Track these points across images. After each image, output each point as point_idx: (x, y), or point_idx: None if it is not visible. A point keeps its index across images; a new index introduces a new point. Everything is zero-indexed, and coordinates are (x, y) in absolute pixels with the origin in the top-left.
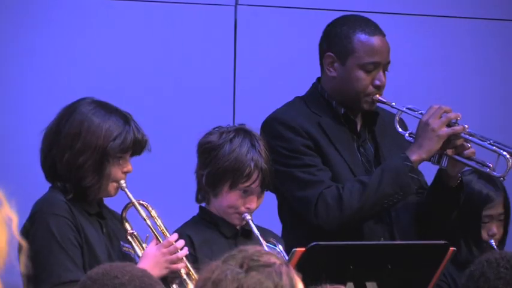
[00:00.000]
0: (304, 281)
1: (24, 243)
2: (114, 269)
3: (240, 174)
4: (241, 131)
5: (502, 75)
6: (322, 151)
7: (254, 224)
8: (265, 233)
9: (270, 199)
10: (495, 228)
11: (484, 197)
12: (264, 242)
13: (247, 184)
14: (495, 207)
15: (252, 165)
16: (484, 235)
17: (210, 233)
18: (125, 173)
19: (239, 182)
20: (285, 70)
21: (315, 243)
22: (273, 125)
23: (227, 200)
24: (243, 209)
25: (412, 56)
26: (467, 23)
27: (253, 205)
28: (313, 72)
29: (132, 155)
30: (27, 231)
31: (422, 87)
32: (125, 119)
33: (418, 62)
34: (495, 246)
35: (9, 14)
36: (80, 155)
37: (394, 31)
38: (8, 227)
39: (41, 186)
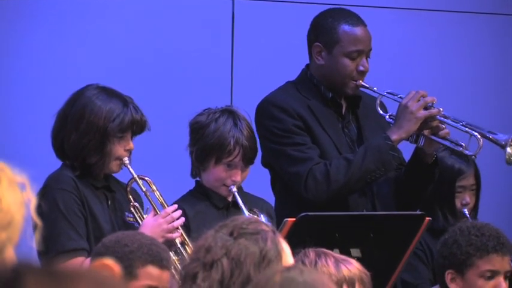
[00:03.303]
0: (294, 247)
1: (39, 222)
2: (126, 237)
3: (223, 150)
4: (226, 112)
5: (498, 69)
6: (311, 131)
7: (242, 194)
8: (257, 201)
9: (265, 174)
10: (468, 198)
11: (456, 170)
12: (246, 212)
13: (229, 159)
14: (467, 178)
15: (233, 142)
16: (458, 204)
17: (203, 205)
18: (127, 150)
19: (223, 157)
20: (279, 61)
21: (304, 213)
22: (266, 107)
23: (214, 174)
24: (229, 181)
25: (402, 48)
26: (462, 17)
27: (237, 178)
28: (305, 61)
29: (133, 134)
30: (37, 204)
31: (418, 80)
32: (124, 101)
33: (412, 55)
34: (468, 215)
35: (3, 9)
36: (84, 135)
37: (390, 24)
38: (27, 207)
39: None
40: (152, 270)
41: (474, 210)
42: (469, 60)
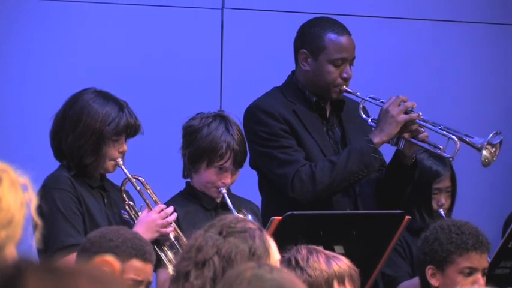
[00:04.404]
0: (281, 244)
1: (39, 222)
2: (110, 232)
3: (214, 154)
4: (218, 117)
5: (496, 78)
6: (297, 134)
7: (230, 196)
8: (243, 202)
9: (252, 176)
10: (443, 199)
11: (433, 172)
12: (235, 213)
13: (221, 163)
14: (443, 181)
15: (225, 146)
16: (434, 205)
17: (193, 206)
18: (121, 152)
19: (214, 160)
20: (267, 67)
21: (290, 212)
22: (254, 112)
23: (205, 176)
24: (219, 183)
25: (393, 56)
26: (460, 26)
27: (227, 180)
28: (292, 67)
29: (127, 137)
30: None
31: (416, 87)
32: (120, 106)
33: (406, 63)
34: (443, 215)
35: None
36: (80, 137)
37: (381, 34)
38: (28, 207)
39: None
40: (136, 263)
41: (449, 211)
42: (467, 69)
